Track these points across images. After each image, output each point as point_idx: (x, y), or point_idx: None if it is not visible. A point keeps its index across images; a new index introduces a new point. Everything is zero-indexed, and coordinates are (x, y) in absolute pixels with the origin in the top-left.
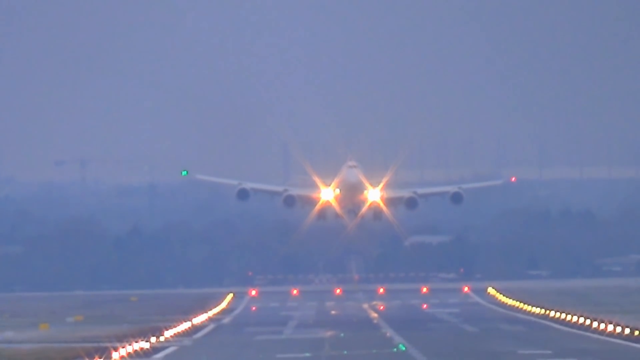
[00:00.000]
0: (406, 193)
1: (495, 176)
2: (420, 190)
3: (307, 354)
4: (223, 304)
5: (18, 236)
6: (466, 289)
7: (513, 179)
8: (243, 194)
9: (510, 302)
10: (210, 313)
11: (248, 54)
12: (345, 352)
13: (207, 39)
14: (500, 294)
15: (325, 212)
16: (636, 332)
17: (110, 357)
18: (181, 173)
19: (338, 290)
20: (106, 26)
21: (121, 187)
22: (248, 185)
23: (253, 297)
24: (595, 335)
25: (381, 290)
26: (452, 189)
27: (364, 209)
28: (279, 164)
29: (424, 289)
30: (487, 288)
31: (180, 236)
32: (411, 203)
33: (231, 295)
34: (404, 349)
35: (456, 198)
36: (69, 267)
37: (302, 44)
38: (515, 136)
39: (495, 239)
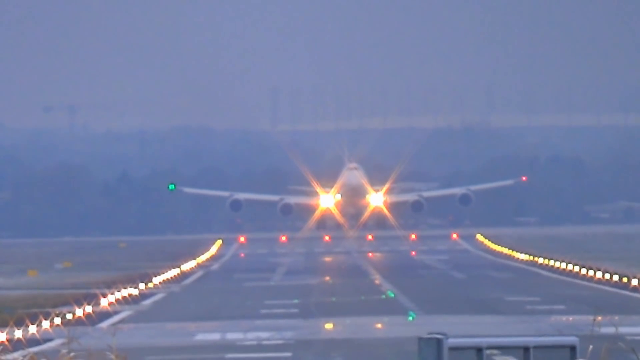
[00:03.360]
0: (411, 197)
1: (483, 125)
2: (426, 194)
3: (296, 301)
4: (212, 251)
5: (6, 182)
6: (455, 235)
7: (524, 178)
8: (236, 205)
9: (498, 248)
10: (199, 259)
11: (238, 9)
12: (334, 298)
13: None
14: (489, 240)
15: (325, 220)
16: (624, 279)
17: (99, 304)
18: (168, 187)
19: (327, 237)
20: None
21: (110, 133)
22: (241, 196)
23: (241, 243)
24: (584, 282)
25: (370, 237)
26: (459, 190)
27: (366, 214)
28: (268, 109)
29: (413, 236)
30: (475, 235)
31: (169, 183)
32: (417, 206)
33: (220, 241)
34: (392, 295)
35: (465, 200)
36: (57, 213)
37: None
38: (504, 83)
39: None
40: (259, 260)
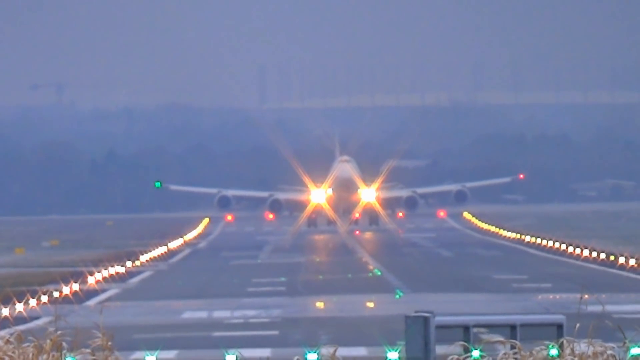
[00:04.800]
0: (404, 192)
1: (470, 102)
2: (420, 190)
3: (283, 279)
4: (199, 229)
5: None
6: (442, 213)
7: (521, 176)
8: (224, 202)
9: (485, 226)
10: (186, 237)
11: None
12: (321, 276)
13: None
14: (476, 218)
15: (315, 218)
16: (611, 257)
17: (86, 282)
18: (154, 184)
19: (314, 215)
20: None
21: (97, 111)
22: (229, 192)
23: (229, 221)
24: (571, 260)
25: (357, 215)
26: (455, 187)
27: (358, 210)
28: (255, 87)
29: (400, 214)
30: (462, 213)
31: (156, 161)
32: (410, 202)
33: (207, 219)
34: (379, 273)
35: (460, 196)
36: (44, 191)
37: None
38: (491, 61)
39: (471, 163)
40: (246, 238)
